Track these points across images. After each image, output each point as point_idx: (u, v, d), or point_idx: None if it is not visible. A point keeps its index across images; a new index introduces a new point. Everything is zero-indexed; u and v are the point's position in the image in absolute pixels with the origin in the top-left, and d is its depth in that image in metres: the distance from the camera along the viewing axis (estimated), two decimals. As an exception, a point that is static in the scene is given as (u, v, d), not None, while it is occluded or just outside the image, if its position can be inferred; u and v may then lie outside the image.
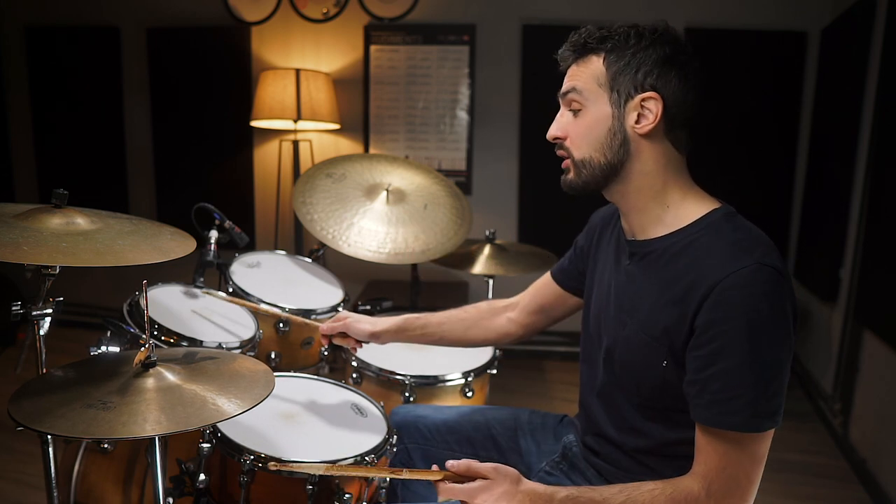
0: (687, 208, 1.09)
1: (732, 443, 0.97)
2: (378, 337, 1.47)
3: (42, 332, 1.16)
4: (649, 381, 1.09)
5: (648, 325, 1.07)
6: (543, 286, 1.48)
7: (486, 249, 2.18)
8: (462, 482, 1.02)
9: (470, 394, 1.71)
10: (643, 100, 1.05)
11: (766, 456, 1.00)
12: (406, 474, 1.05)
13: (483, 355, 1.81)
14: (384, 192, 2.06)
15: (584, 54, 1.10)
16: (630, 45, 1.06)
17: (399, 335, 1.48)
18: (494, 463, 1.04)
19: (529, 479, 1.32)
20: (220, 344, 1.57)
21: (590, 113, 1.09)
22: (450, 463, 1.04)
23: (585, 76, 1.09)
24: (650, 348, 1.07)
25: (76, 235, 1.11)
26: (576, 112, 1.11)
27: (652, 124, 1.05)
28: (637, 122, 1.06)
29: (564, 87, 1.13)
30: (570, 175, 1.14)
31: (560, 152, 1.15)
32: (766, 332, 0.95)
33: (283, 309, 1.83)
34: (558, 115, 1.15)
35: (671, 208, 1.09)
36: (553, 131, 1.15)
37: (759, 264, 0.96)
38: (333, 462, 1.20)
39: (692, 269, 1.02)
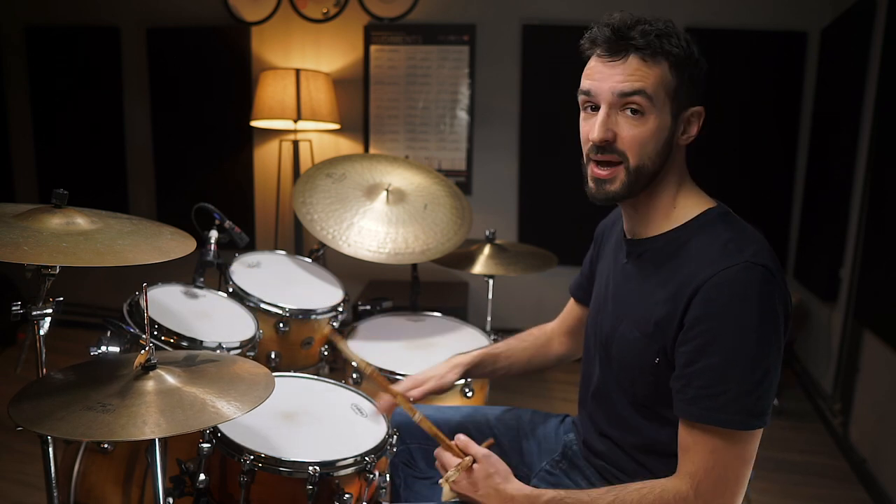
0: (686, 207, 1.10)
1: (720, 441, 0.97)
2: (459, 377, 1.48)
3: (42, 332, 1.16)
4: (643, 379, 1.09)
5: (642, 322, 1.08)
6: (570, 308, 1.51)
7: (486, 249, 2.18)
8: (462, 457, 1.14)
9: (470, 394, 1.71)
10: (692, 113, 1.07)
11: (755, 457, 1.00)
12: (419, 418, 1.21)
13: (483, 355, 1.81)
14: (384, 192, 2.06)
15: (654, 56, 1.02)
16: (692, 57, 1.04)
17: (472, 374, 1.50)
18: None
19: (531, 478, 1.33)
20: (219, 344, 1.57)
21: (653, 120, 1.03)
22: (459, 436, 1.18)
23: (654, 80, 1.02)
24: (643, 345, 1.08)
25: (76, 235, 1.11)
26: (635, 114, 1.02)
27: (695, 136, 1.09)
28: (683, 133, 1.08)
29: (627, 86, 1.01)
30: (616, 186, 1.06)
31: (606, 157, 1.05)
32: (754, 330, 0.95)
33: (282, 308, 1.84)
34: (603, 115, 1.03)
35: (677, 208, 1.11)
36: (603, 133, 1.03)
37: (750, 263, 0.97)
38: (333, 462, 1.21)
39: (684, 268, 1.03)
